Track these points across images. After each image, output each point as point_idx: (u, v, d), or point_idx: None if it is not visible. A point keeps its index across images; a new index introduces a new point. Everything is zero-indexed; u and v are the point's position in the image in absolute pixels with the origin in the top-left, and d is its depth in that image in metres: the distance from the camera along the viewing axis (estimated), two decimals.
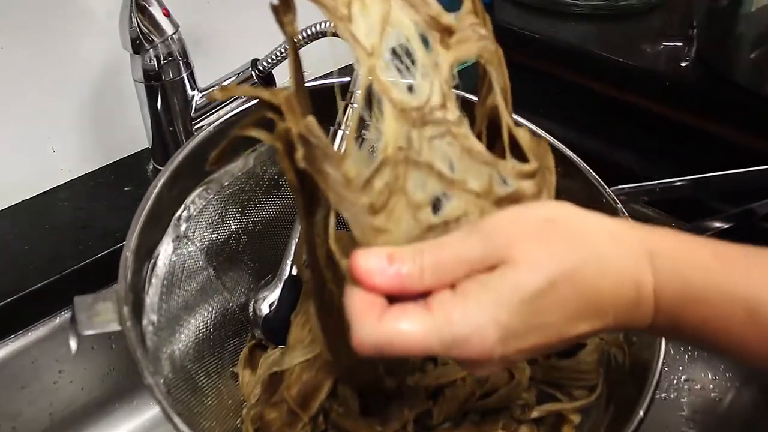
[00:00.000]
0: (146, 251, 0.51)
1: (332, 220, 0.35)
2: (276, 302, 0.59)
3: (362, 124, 0.39)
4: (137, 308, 0.46)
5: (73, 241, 0.67)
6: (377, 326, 0.30)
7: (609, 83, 0.85)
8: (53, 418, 0.66)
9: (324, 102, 0.43)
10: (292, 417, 0.48)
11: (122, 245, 0.66)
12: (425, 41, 0.36)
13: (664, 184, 0.59)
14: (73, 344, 0.43)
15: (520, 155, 0.37)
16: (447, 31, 0.35)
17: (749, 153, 0.69)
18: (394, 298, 0.32)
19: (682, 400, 0.70)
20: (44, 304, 0.64)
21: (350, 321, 0.31)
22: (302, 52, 0.58)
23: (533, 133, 0.39)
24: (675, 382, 0.71)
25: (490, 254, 0.31)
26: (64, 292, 0.64)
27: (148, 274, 0.50)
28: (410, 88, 0.35)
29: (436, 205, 0.35)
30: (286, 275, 0.59)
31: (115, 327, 0.43)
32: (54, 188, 0.74)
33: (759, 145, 0.71)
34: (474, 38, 0.36)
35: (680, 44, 0.88)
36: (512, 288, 0.30)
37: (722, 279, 0.32)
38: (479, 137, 0.40)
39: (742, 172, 0.59)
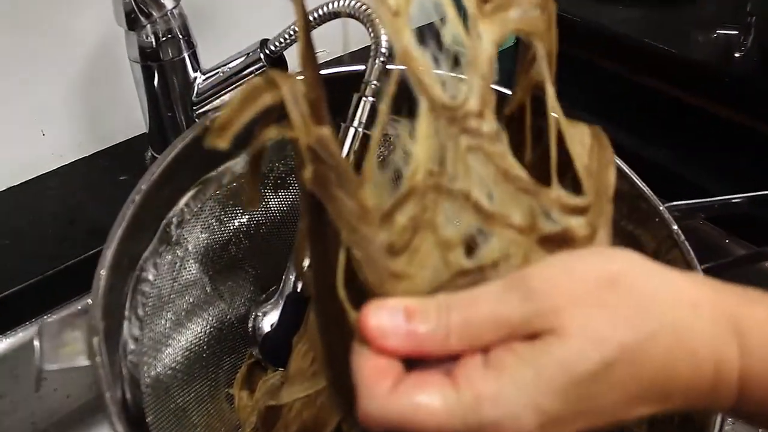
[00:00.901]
0: (129, 263, 0.44)
1: (342, 258, 0.28)
2: (277, 320, 0.53)
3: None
4: (114, 334, 0.40)
5: (58, 238, 0.61)
6: (389, 399, 0.25)
7: (655, 76, 0.77)
8: (36, 427, 0.61)
9: (333, 92, 0.36)
10: None
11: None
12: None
13: (722, 201, 0.52)
14: (34, 380, 0.37)
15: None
16: None
17: None
18: (412, 362, 0.26)
19: None
20: (26, 307, 0.58)
21: (357, 389, 0.25)
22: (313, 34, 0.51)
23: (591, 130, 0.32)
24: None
25: (534, 319, 0.25)
26: (47, 294, 0.59)
27: (130, 290, 0.44)
28: (443, 83, 0.28)
29: (470, 245, 0.28)
30: (289, 289, 0.52)
31: (83, 362, 0.37)
32: (42, 175, 0.68)
33: None
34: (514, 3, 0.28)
35: (735, 32, 0.80)
36: (559, 367, 0.24)
37: None
38: (514, 125, 0.33)
39: None
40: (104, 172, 0.69)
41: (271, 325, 0.53)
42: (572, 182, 0.29)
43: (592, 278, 0.25)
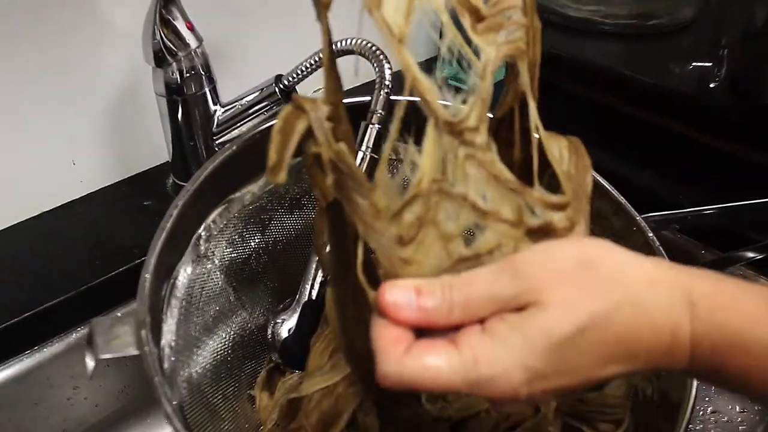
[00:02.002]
0: (166, 271, 0.50)
1: (360, 248, 0.34)
2: (295, 326, 0.58)
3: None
4: (156, 331, 0.45)
5: (89, 258, 0.66)
6: (402, 361, 0.30)
7: (636, 104, 0.83)
8: None
9: None
10: None
11: (137, 263, 0.66)
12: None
13: (695, 212, 0.57)
14: (89, 367, 0.42)
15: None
16: (477, 16, 0.33)
17: None
18: (421, 331, 0.31)
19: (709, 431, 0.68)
20: (59, 321, 0.63)
21: (375, 353, 0.30)
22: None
23: (569, 140, 0.37)
24: (701, 413, 0.69)
25: (521, 295, 0.30)
26: (78, 309, 0.64)
27: (167, 295, 0.49)
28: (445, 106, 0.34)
29: (468, 237, 0.33)
30: (305, 298, 0.57)
31: (133, 351, 0.42)
32: (72, 201, 0.74)
33: None
34: (503, 25, 0.34)
35: (710, 64, 0.86)
36: (541, 333, 0.29)
37: (765, 329, 0.30)
38: (505, 125, 0.39)
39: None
40: (129, 198, 0.74)
41: (289, 331, 0.57)
42: (554, 180, 0.35)
43: (569, 260, 0.31)
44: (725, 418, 0.68)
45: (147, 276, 0.45)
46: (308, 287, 0.57)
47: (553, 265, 0.31)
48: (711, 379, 0.33)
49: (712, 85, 0.85)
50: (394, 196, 0.34)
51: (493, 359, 0.29)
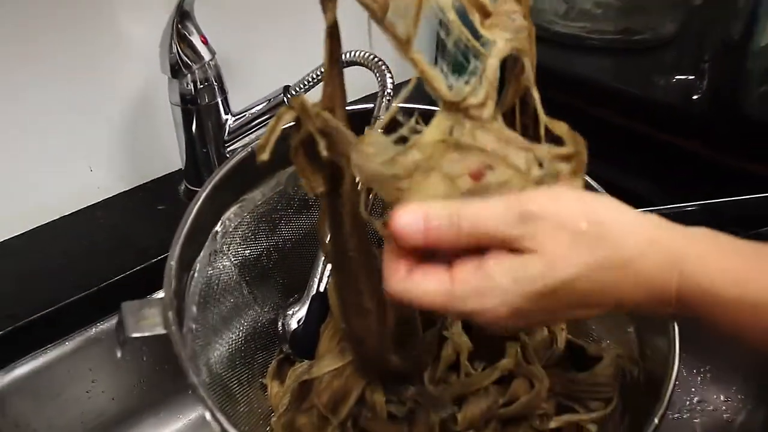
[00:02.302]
0: (186, 264, 0.53)
1: (363, 194, 0.37)
2: (304, 318, 0.61)
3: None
4: (180, 314, 0.49)
5: (109, 256, 0.70)
6: (405, 281, 0.34)
7: (623, 115, 0.88)
8: (85, 426, 0.69)
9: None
10: (322, 422, 0.51)
11: (154, 262, 0.70)
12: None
13: (676, 209, 0.62)
14: (119, 347, 0.46)
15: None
16: (484, 12, 0.37)
17: (759, 181, 0.72)
18: (425, 255, 0.35)
19: (695, 420, 0.72)
20: (81, 315, 0.66)
21: (383, 271, 0.35)
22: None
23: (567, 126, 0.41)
24: (688, 403, 0.73)
25: (524, 239, 0.33)
26: (100, 304, 0.67)
27: (188, 285, 0.53)
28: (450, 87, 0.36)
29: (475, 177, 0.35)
30: (314, 291, 0.61)
31: (161, 330, 0.46)
32: (90, 206, 0.77)
33: (765, 172, 0.74)
34: (508, 24, 0.37)
35: (692, 77, 0.91)
36: (532, 280, 0.32)
37: (752, 286, 0.33)
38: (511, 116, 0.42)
39: (753, 198, 0.62)
40: (144, 203, 0.78)
41: (299, 322, 0.61)
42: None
43: (574, 215, 0.33)
44: (711, 407, 0.72)
45: (172, 263, 0.49)
46: (316, 281, 0.61)
47: (559, 218, 0.33)
48: (698, 323, 0.35)
49: (695, 97, 0.90)
50: (389, 147, 0.35)
51: (482, 298, 0.33)
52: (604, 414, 0.52)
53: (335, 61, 0.41)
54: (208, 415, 0.44)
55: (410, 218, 0.33)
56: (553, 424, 0.53)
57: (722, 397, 0.72)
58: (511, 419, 0.51)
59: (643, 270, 0.34)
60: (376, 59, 0.65)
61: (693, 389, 0.73)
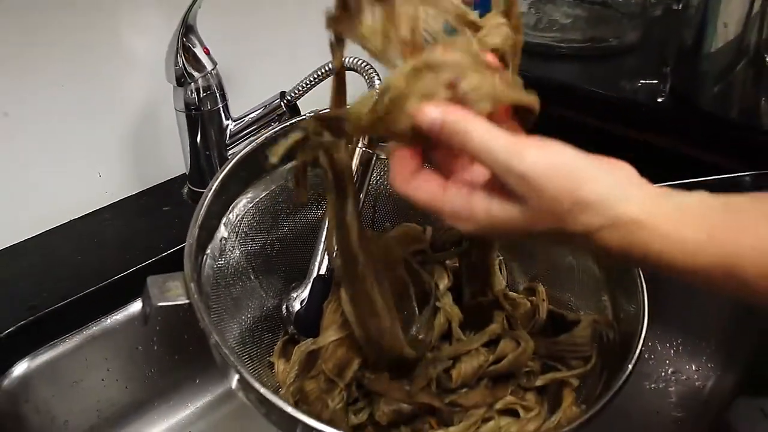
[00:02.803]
0: (199, 248, 0.58)
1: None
2: (306, 299, 0.66)
3: None
4: (199, 287, 0.54)
5: (119, 254, 0.75)
6: (408, 181, 0.43)
7: (594, 115, 0.95)
8: (100, 414, 0.73)
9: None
10: (329, 385, 0.55)
11: (163, 256, 0.75)
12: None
13: None
14: (145, 315, 0.51)
15: None
16: (474, 27, 0.44)
17: (715, 167, 0.79)
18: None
19: (670, 389, 0.77)
20: (95, 307, 0.71)
21: (390, 169, 0.44)
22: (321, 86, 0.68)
23: None
24: (663, 374, 0.79)
25: (515, 188, 0.38)
26: (112, 297, 0.72)
27: (202, 267, 0.58)
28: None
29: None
30: (315, 274, 0.66)
31: (184, 300, 0.51)
32: (98, 209, 0.82)
33: (723, 161, 0.81)
34: (497, 34, 0.44)
35: (656, 81, 0.98)
36: (504, 222, 0.40)
37: (706, 251, 0.37)
38: None
39: (708, 179, 0.69)
40: (150, 206, 0.83)
41: (302, 303, 0.66)
42: None
43: (565, 186, 0.37)
44: (684, 377, 0.78)
45: (191, 242, 0.54)
46: (317, 264, 0.66)
47: (550, 185, 0.37)
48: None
49: (659, 100, 0.97)
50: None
51: (459, 219, 0.41)
52: (584, 371, 0.57)
53: (341, 94, 0.50)
54: (233, 380, 0.49)
55: (433, 111, 0.39)
56: (539, 382, 0.58)
57: (694, 367, 0.78)
58: (500, 377, 0.57)
59: (609, 242, 0.38)
60: (365, 65, 0.71)
61: (667, 361, 0.79)
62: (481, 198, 0.40)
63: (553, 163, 0.38)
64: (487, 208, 0.40)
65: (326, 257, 0.66)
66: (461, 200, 0.41)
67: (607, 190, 0.38)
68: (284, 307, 0.68)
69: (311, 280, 0.66)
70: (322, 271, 0.66)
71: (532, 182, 0.38)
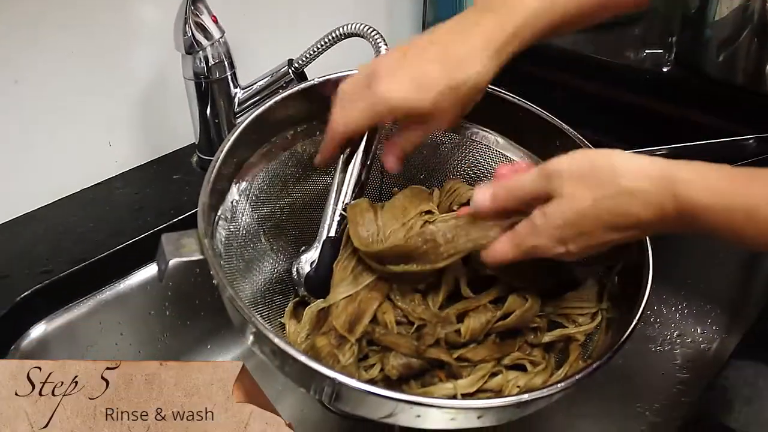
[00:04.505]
0: (212, 208, 0.59)
1: None
2: (316, 261, 0.67)
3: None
4: (212, 246, 0.55)
5: (131, 219, 0.76)
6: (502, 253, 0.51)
7: (600, 82, 0.95)
8: None
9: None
10: (340, 340, 0.56)
11: (175, 221, 0.76)
12: None
13: (649, 151, 0.69)
14: (160, 272, 0.52)
15: None
16: None
17: (717, 131, 0.80)
18: None
19: (675, 351, 0.78)
20: (109, 271, 0.72)
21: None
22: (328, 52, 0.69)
23: None
24: (669, 337, 0.80)
25: (550, 190, 0.47)
26: (126, 261, 0.73)
27: (215, 227, 0.59)
28: None
29: None
30: (324, 236, 0.67)
31: (198, 256, 0.52)
32: (109, 179, 0.83)
33: (726, 125, 0.82)
34: None
35: (661, 51, 0.99)
36: (556, 214, 0.46)
37: (727, 194, 0.42)
38: None
39: (713, 142, 0.69)
40: (160, 174, 0.84)
41: (311, 265, 0.67)
42: None
43: (583, 162, 0.46)
44: (689, 339, 0.79)
45: (205, 200, 0.55)
46: (326, 227, 0.67)
47: (571, 168, 0.46)
48: (694, 232, 0.45)
49: (665, 69, 0.97)
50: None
51: (531, 237, 0.48)
52: (590, 327, 0.58)
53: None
54: (248, 333, 0.50)
55: (480, 194, 0.51)
56: (545, 339, 0.59)
57: (699, 330, 0.79)
58: (508, 333, 0.58)
59: (644, 195, 0.43)
60: (371, 30, 0.72)
61: (673, 324, 0.80)
62: (537, 212, 0.47)
63: (570, 153, 0.47)
64: (541, 213, 0.47)
65: (336, 219, 0.67)
66: (524, 225, 0.48)
67: (622, 154, 0.46)
68: (294, 269, 0.68)
69: (321, 242, 0.67)
70: (332, 234, 0.67)
71: (556, 169, 0.46)
